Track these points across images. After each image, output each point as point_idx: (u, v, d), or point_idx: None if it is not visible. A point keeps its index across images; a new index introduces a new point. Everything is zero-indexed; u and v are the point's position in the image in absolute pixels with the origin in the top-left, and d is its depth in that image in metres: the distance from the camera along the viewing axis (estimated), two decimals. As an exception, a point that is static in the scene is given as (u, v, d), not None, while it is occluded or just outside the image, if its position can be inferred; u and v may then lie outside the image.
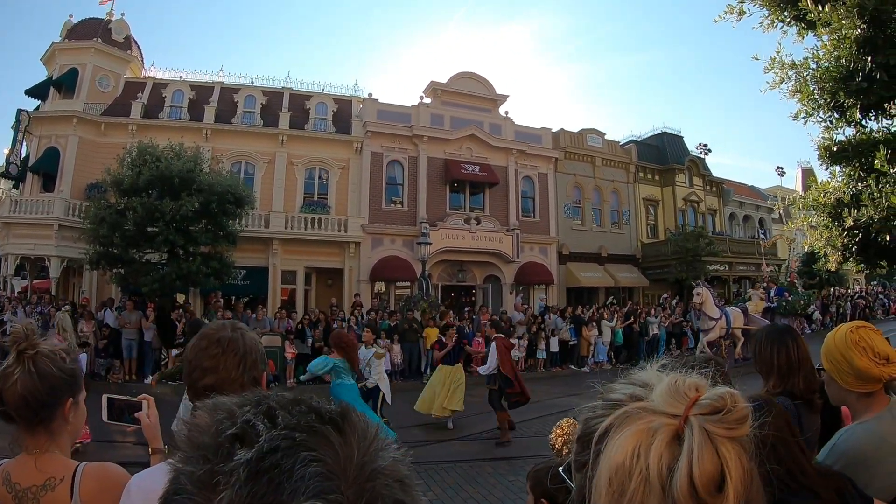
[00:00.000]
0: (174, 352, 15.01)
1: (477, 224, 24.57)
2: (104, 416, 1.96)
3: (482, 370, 10.23)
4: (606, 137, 30.31)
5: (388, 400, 9.40)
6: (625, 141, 32.29)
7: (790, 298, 20.06)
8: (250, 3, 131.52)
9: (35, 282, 23.65)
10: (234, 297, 20.65)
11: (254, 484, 0.47)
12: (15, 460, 1.70)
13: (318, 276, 23.74)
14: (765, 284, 21.18)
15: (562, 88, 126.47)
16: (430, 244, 20.77)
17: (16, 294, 21.42)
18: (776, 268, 23.41)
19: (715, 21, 7.97)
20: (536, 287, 26.38)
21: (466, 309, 21.86)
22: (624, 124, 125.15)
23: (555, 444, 2.31)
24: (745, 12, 7.72)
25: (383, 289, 24.01)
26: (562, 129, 28.90)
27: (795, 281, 21.57)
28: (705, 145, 34.84)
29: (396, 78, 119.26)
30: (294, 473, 0.47)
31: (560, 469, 1.14)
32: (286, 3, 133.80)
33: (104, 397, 1.98)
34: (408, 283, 23.59)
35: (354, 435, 0.53)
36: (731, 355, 16.90)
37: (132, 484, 1.57)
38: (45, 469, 1.66)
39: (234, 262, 18.77)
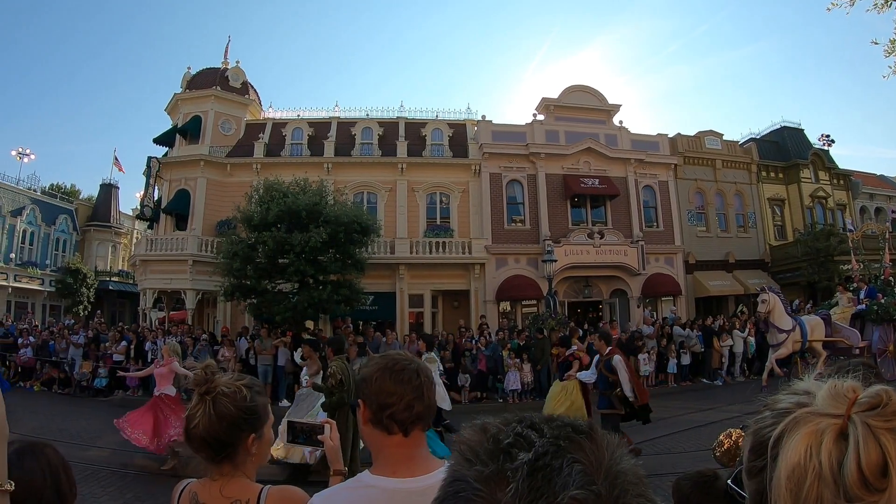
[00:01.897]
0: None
1: (600, 238, 23.81)
2: (287, 439, 2.05)
3: (582, 376, 9.95)
4: (724, 138, 28.85)
5: (446, 406, 9.36)
6: (743, 140, 30.65)
7: (884, 301, 16.05)
8: (358, 40, 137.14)
9: (172, 313, 25.07)
10: (361, 322, 20.90)
11: (532, 479, 0.59)
12: (201, 482, 1.82)
13: (444, 298, 23.72)
14: (854, 285, 17.40)
15: (670, 92, 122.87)
16: (556, 261, 20.25)
17: (155, 325, 22.47)
18: (866, 264, 19.35)
19: (828, 10, 7.39)
20: (664, 299, 25.26)
21: (602, 324, 21.19)
22: (741, 122, 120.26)
23: (718, 453, 2.22)
24: None
25: (509, 308, 23.68)
26: (678, 134, 27.75)
27: (892, 279, 17.24)
28: (828, 136, 32.48)
29: (507, 98, 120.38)
30: (562, 471, 0.59)
31: (728, 481, 1.16)
32: (392, 37, 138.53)
33: (286, 421, 2.23)
34: (534, 302, 23.15)
35: (601, 443, 0.64)
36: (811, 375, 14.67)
37: (315, 502, 1.59)
38: (231, 493, 1.76)
39: (363, 289, 19.06)
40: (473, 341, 17.88)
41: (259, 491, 1.79)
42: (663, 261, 25.46)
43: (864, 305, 15.75)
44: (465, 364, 16.77)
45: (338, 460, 2.05)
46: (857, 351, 14.12)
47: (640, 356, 17.22)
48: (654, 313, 23.60)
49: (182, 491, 1.86)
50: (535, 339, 17.05)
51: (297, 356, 14.81)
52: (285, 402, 14.46)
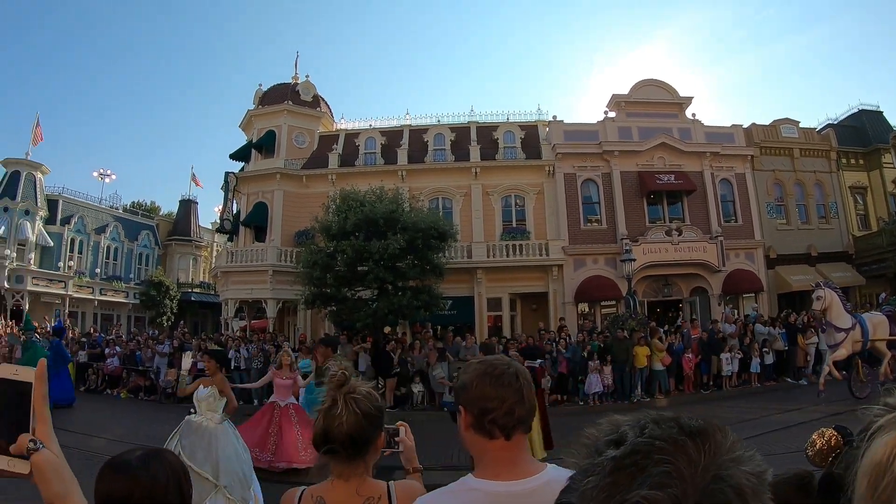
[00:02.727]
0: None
1: (678, 235, 23.33)
2: None
3: None
4: (801, 125, 27.83)
5: None
6: (821, 126, 29.47)
7: None
8: (423, 48, 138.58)
9: (253, 322, 25.65)
10: (438, 327, 21.03)
11: (615, 475, 0.60)
12: (323, 486, 1.88)
13: (522, 301, 23.68)
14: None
15: (741, 81, 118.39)
16: (634, 260, 19.96)
17: (237, 333, 23.12)
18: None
19: None
20: (745, 296, 24.60)
21: (679, 322, 20.79)
22: (817, 108, 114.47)
23: (811, 453, 2.02)
24: None
25: (587, 309, 23.47)
26: (753, 124, 26.91)
27: None
28: (910, 118, 31.06)
29: (576, 96, 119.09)
30: (646, 470, 0.59)
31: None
32: (457, 42, 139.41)
33: None
34: (613, 302, 22.90)
35: (706, 446, 0.62)
36: (874, 377, 13.04)
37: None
38: (364, 492, 1.85)
39: (442, 294, 19.18)
40: (553, 344, 17.73)
41: (386, 487, 1.88)
42: (743, 256, 24.78)
43: None
44: (546, 367, 16.60)
45: (414, 459, 2.11)
46: None
47: (723, 356, 16.80)
48: (736, 311, 23.01)
49: (300, 496, 1.91)
50: (615, 340, 16.80)
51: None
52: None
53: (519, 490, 1.52)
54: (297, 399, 9.39)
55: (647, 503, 0.57)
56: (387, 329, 19.90)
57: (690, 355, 16.94)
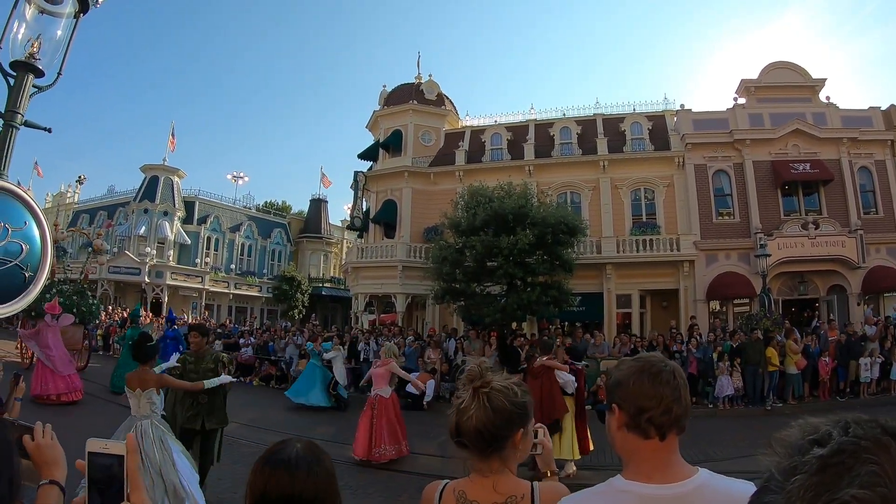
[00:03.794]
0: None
1: (815, 228, 22.28)
2: None
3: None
4: (947, 104, 25.98)
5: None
6: (969, 105, 27.46)
7: None
8: (545, 41, 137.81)
9: (382, 315, 26.51)
10: (566, 323, 20.97)
11: (822, 474, 0.60)
12: (466, 481, 1.88)
13: (652, 298, 23.37)
14: None
15: (879, 57, 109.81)
16: (769, 255, 19.19)
17: (367, 327, 23.76)
18: None
19: None
20: (887, 295, 23.30)
21: (816, 323, 19.98)
22: None
23: None
24: None
25: (719, 307, 22.92)
26: (892, 106, 25.26)
27: None
28: None
29: (703, 83, 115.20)
30: (853, 469, 0.59)
31: None
32: (578, 34, 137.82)
33: None
34: (746, 300, 22.21)
35: None
36: None
37: None
38: (503, 489, 1.81)
39: (572, 290, 19.01)
40: (683, 343, 17.31)
41: (530, 487, 1.84)
42: (885, 251, 23.34)
43: None
44: None
45: (550, 463, 2.05)
46: None
47: (862, 360, 15.68)
48: (877, 312, 21.90)
49: (442, 490, 1.90)
50: (749, 340, 16.02)
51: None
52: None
53: (671, 494, 1.47)
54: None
55: (858, 502, 0.57)
56: (514, 325, 20.03)
57: (827, 359, 16.07)
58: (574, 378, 9.16)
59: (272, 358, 20.03)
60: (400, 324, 23.17)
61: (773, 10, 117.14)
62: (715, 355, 15.91)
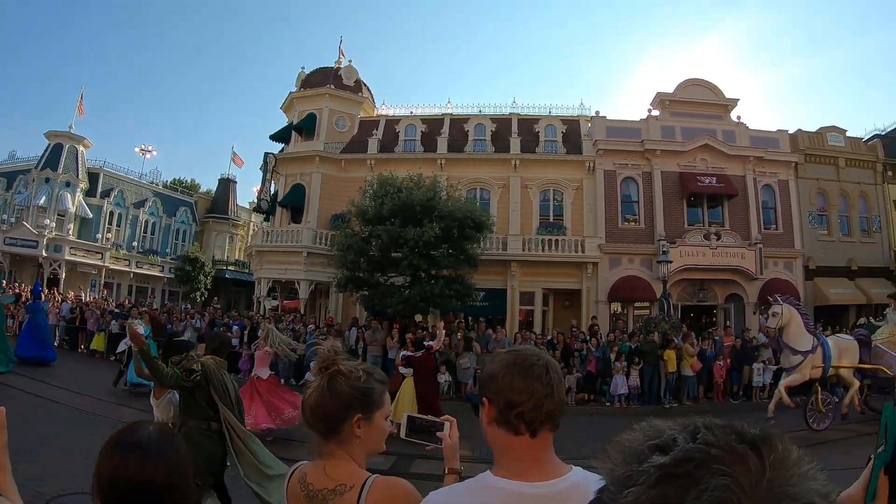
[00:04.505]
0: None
1: (717, 239, 22.97)
2: (403, 434, 2.02)
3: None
4: (848, 134, 27.21)
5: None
6: (868, 136, 28.80)
7: None
8: (469, 36, 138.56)
9: (285, 302, 25.87)
10: (469, 318, 20.90)
11: (662, 486, 0.52)
12: (312, 463, 1.87)
13: (555, 297, 23.52)
14: None
15: (789, 86, 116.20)
16: (671, 262, 19.65)
17: (268, 313, 23.24)
18: None
19: None
20: (782, 306, 24.10)
21: (710, 330, 20.42)
22: (864, 118, 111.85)
23: None
24: None
25: (620, 309, 23.23)
26: (799, 130, 26.36)
27: None
28: (959, 132, 30.20)
29: (620, 93, 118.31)
30: (702, 482, 0.51)
31: None
32: (503, 33, 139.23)
33: (405, 416, 2.09)
34: (647, 304, 22.60)
35: (770, 457, 0.54)
36: (836, 410, 11.76)
37: (432, 499, 1.52)
38: (335, 475, 1.78)
39: (475, 285, 19.13)
40: (584, 342, 17.51)
41: (365, 479, 1.78)
42: (782, 265, 24.31)
43: None
44: (574, 365, 16.44)
45: (454, 458, 1.96)
46: None
47: (755, 366, 16.39)
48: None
49: (294, 472, 1.90)
50: (646, 342, 16.46)
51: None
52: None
53: (542, 492, 1.43)
54: None
55: None
56: (418, 317, 19.87)
57: (722, 363, 16.61)
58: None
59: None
60: (302, 311, 22.79)
61: (697, 34, 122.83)
62: (612, 355, 16.19)
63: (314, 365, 1.95)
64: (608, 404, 15.59)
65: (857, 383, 12.05)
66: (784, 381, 11.84)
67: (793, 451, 0.57)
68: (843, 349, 11.97)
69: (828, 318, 23.43)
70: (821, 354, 11.57)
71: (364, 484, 1.77)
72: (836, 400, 12.06)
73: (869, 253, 25.96)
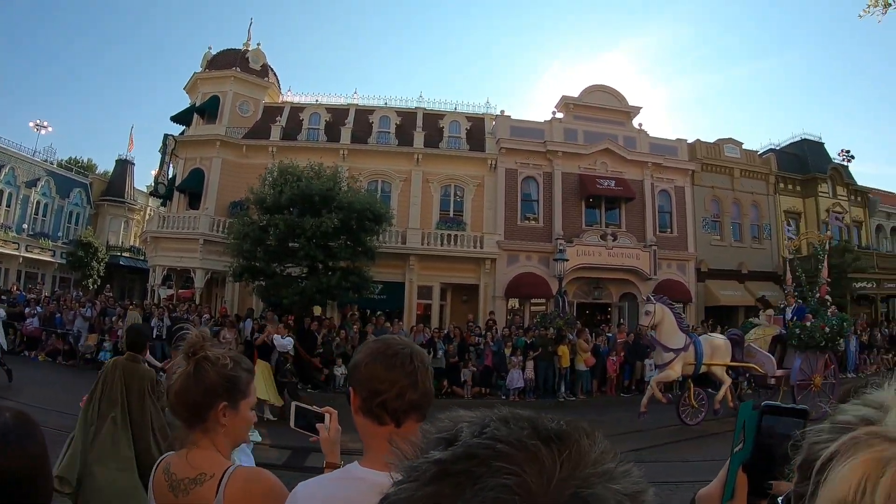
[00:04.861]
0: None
1: (613, 240, 23.65)
2: (291, 423, 1.97)
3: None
4: (744, 147, 28.57)
5: None
6: (763, 150, 30.35)
7: (809, 325, 12.89)
8: (378, 28, 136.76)
9: (180, 291, 25.01)
10: (368, 311, 20.80)
11: (439, 483, 0.47)
12: (177, 453, 1.81)
13: (453, 291, 23.67)
14: (783, 303, 14.70)
15: (690, 100, 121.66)
16: (567, 260, 20.09)
17: (162, 302, 22.49)
18: (799, 273, 15.37)
19: (859, 16, 7.24)
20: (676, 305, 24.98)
21: (604, 327, 21.00)
22: (761, 133, 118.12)
23: None
24: (890, 3, 6.88)
25: (517, 305, 23.55)
26: (697, 140, 27.50)
27: (827, 299, 14.28)
28: (848, 151, 32.24)
29: (528, 95, 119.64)
30: (481, 481, 0.46)
31: (780, 500, 0.95)
32: (415, 27, 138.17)
33: (293, 405, 2.01)
34: (543, 301, 23.00)
35: (566, 454, 0.49)
36: (709, 405, 12.34)
37: (298, 492, 1.50)
38: (197, 464, 1.73)
39: (373, 277, 19.15)
40: (479, 337, 17.70)
41: (226, 468, 1.74)
42: (675, 267, 25.25)
43: (784, 328, 13.41)
44: (470, 359, 16.59)
45: (332, 452, 1.91)
46: (773, 381, 12.77)
47: (647, 361, 16.95)
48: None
49: (160, 462, 1.85)
50: (541, 337, 16.88)
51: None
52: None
53: None
54: None
55: None
56: (318, 310, 19.60)
57: (615, 358, 17.09)
58: None
59: (59, 331, 18.32)
60: (197, 301, 22.11)
61: (608, 41, 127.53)
62: (507, 350, 16.48)
63: (181, 350, 1.85)
64: (504, 398, 15.76)
65: (729, 380, 12.57)
66: (655, 378, 12.30)
67: (597, 448, 0.51)
68: (716, 348, 12.47)
69: (718, 318, 24.47)
70: (693, 352, 11.98)
71: (224, 473, 1.72)
72: (707, 396, 12.57)
73: (759, 258, 27.23)
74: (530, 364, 16.18)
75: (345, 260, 17.90)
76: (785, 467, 0.94)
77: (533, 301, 23.43)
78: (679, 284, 24.78)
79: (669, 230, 25.80)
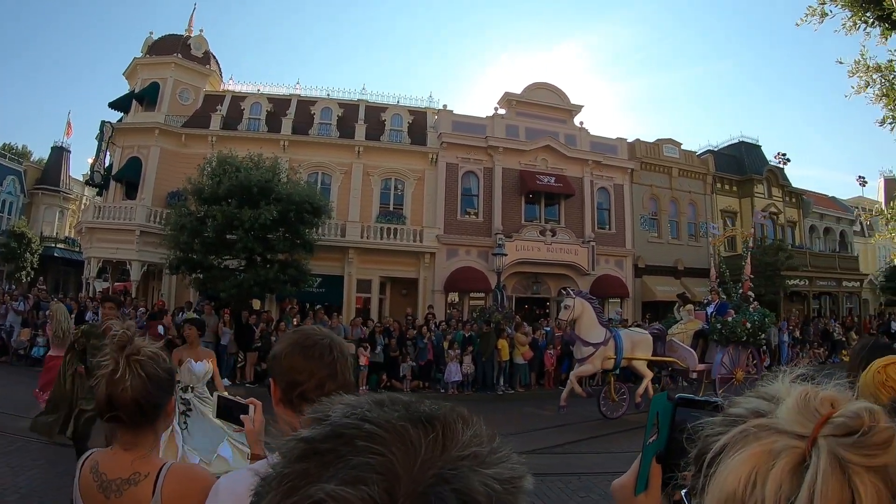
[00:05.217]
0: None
1: (552, 236, 24.05)
2: (213, 415, 2.02)
3: None
4: (683, 147, 29.36)
5: None
6: (701, 151, 31.20)
7: (731, 320, 13.27)
8: (323, 18, 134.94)
9: (116, 284, 24.39)
10: (307, 304, 20.70)
11: (305, 461, 0.48)
12: (106, 451, 1.76)
13: (392, 285, 23.70)
14: (707, 298, 15.02)
15: (632, 101, 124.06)
16: (506, 255, 20.33)
17: (98, 295, 21.96)
18: (723, 269, 16.28)
19: (797, 24, 7.68)
20: (611, 300, 25.58)
21: (542, 321, 21.34)
22: (700, 134, 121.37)
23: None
24: (826, 14, 7.41)
25: (457, 299, 23.74)
26: (637, 140, 28.15)
27: (750, 294, 14.87)
28: (784, 155, 33.31)
29: (471, 90, 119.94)
30: (345, 460, 0.46)
31: (683, 493, 0.90)
32: (359, 18, 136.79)
33: (216, 395, 2.00)
34: (482, 295, 23.26)
35: (432, 436, 0.49)
36: (630, 399, 12.57)
37: (220, 484, 1.52)
38: (130, 464, 1.69)
39: (311, 270, 19.07)
40: (414, 329, 17.76)
41: (160, 466, 1.71)
42: (613, 263, 25.83)
43: (706, 323, 13.55)
44: (409, 353, 16.66)
45: (257, 444, 1.88)
46: (695, 375, 13.00)
47: None
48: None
49: (85, 460, 1.80)
50: (480, 331, 17.03)
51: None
52: (226, 381, 14.30)
53: None
54: None
55: (333, 502, 0.43)
56: (256, 304, 19.42)
57: (552, 352, 17.35)
58: None
59: (-10, 326, 17.67)
60: (133, 294, 21.63)
61: (551, 41, 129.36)
62: (445, 344, 16.51)
63: (112, 348, 1.73)
64: (442, 392, 15.83)
65: (650, 374, 12.78)
66: (574, 372, 12.36)
67: (469, 431, 0.51)
68: (637, 342, 12.62)
69: (655, 313, 25.09)
70: (613, 346, 12.10)
71: (160, 472, 1.67)
72: (628, 390, 12.79)
73: (695, 255, 27.97)
74: (468, 358, 16.26)
75: (283, 252, 17.74)
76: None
77: (472, 295, 23.67)
78: (617, 280, 25.39)
79: (608, 227, 26.37)
